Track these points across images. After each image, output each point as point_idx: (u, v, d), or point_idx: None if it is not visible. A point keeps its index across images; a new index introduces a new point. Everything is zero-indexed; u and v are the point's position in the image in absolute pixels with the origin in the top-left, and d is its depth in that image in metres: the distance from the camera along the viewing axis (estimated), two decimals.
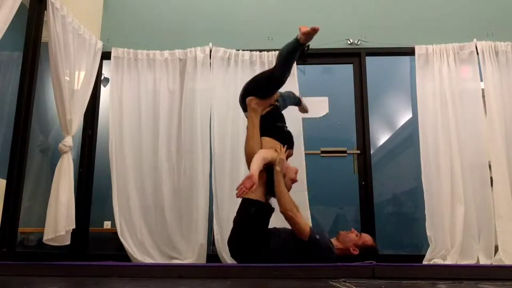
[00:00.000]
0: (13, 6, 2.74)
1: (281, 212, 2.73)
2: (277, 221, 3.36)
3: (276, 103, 3.06)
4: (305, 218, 3.56)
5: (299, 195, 3.61)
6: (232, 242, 2.83)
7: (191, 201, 3.65)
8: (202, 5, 4.22)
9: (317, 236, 2.72)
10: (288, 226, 3.26)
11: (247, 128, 3.04)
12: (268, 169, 2.83)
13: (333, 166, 4.16)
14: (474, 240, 3.49)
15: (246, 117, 3.10)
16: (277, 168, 2.79)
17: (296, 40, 2.85)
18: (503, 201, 3.50)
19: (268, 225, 2.82)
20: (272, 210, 2.86)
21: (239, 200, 2.83)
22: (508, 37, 3.88)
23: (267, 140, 2.94)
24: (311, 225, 2.84)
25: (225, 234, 3.38)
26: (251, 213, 2.75)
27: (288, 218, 2.71)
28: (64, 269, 2.21)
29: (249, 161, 2.88)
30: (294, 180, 2.96)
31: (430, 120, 3.74)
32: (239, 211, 2.83)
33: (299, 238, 2.80)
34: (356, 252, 2.81)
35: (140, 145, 3.82)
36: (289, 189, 2.93)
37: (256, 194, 2.77)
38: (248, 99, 2.99)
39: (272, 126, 3.00)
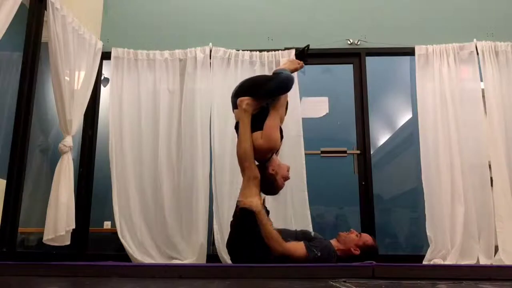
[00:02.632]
0: (13, 6, 2.74)
1: (276, 254, 2.63)
2: (276, 222, 3.38)
3: (265, 105, 3.01)
4: (305, 218, 3.58)
5: (299, 195, 3.63)
6: (231, 246, 2.81)
7: (191, 201, 3.64)
8: (202, 5, 4.22)
9: (318, 254, 2.67)
10: (287, 227, 3.28)
11: (235, 127, 2.98)
12: (261, 169, 2.82)
13: (333, 166, 4.16)
14: (474, 240, 3.49)
15: (233, 112, 3.02)
16: (262, 218, 2.68)
17: None
18: (503, 201, 3.50)
19: None
20: (267, 212, 2.84)
21: None
22: (508, 37, 3.88)
23: (257, 134, 2.85)
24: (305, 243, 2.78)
25: (225, 234, 3.37)
26: (247, 216, 2.70)
27: (285, 255, 2.63)
28: (64, 269, 2.20)
29: (241, 164, 2.86)
30: (286, 178, 2.93)
31: (430, 120, 3.74)
32: (235, 215, 2.80)
33: (302, 239, 2.80)
34: (357, 252, 2.81)
35: (140, 145, 3.82)
36: (281, 187, 2.91)
37: (251, 196, 2.76)
38: (240, 99, 2.88)
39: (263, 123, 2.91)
